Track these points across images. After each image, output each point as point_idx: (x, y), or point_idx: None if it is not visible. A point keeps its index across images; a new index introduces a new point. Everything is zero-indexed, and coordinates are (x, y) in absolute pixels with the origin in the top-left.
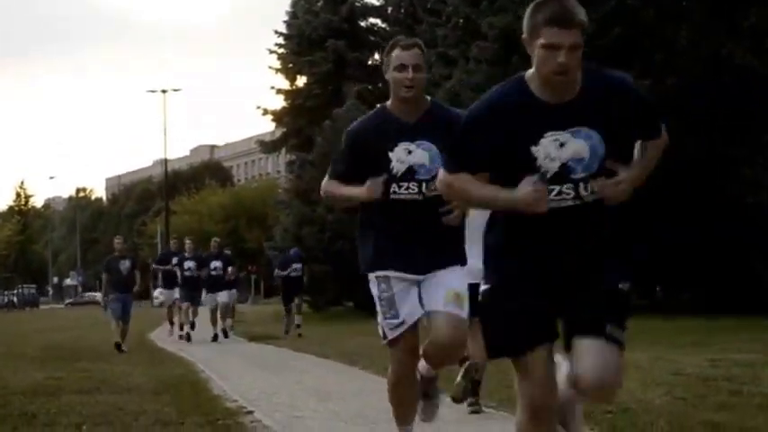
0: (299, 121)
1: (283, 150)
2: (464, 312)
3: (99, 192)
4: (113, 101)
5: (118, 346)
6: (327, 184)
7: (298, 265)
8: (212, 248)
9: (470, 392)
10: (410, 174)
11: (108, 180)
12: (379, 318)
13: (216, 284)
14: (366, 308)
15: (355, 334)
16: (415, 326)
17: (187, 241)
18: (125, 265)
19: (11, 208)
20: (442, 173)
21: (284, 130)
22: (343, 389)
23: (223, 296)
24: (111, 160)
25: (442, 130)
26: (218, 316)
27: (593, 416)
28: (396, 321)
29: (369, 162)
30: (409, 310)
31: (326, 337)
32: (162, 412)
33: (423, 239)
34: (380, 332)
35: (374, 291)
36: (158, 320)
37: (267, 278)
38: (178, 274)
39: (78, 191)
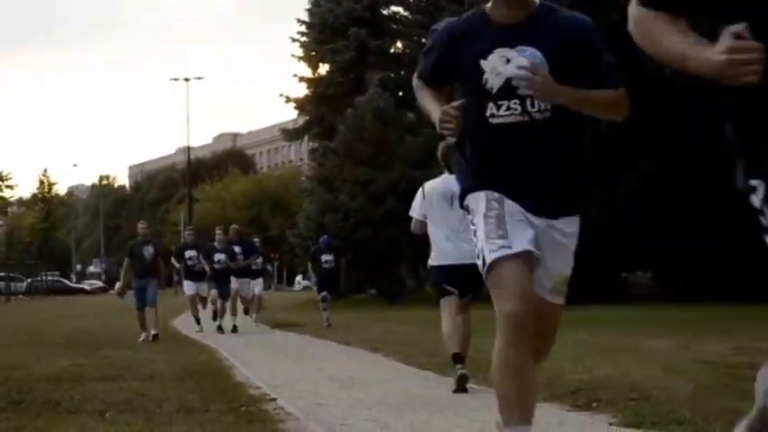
0: (322, 109)
1: (306, 138)
2: (563, 300)
3: (122, 179)
4: (136, 89)
5: (154, 337)
6: (416, 84)
7: (328, 257)
8: (231, 236)
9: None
10: (509, 89)
11: (131, 168)
12: (481, 243)
13: (237, 272)
14: (388, 295)
15: (378, 321)
16: (527, 259)
17: (218, 232)
18: (149, 250)
19: (34, 195)
20: (634, 5)
21: (307, 117)
22: (365, 376)
23: (243, 286)
24: (134, 148)
25: (552, 33)
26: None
27: (616, 403)
28: (503, 242)
29: (456, 71)
30: (522, 238)
31: (349, 325)
32: (185, 399)
33: (533, 175)
34: (480, 261)
35: (480, 207)
36: (181, 308)
37: (290, 266)
38: (206, 266)
39: (101, 178)
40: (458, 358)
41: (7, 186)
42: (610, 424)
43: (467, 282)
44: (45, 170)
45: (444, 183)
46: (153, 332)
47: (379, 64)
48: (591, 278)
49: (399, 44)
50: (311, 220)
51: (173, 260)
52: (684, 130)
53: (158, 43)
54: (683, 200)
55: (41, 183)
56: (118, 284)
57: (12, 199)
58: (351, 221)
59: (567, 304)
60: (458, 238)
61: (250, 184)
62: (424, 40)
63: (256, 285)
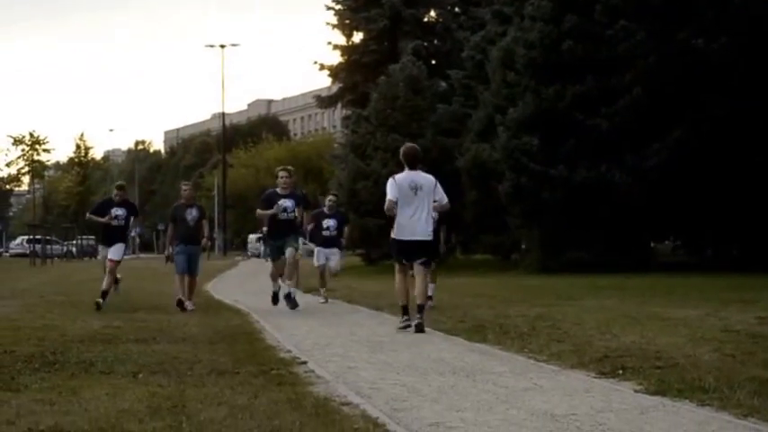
0: (355, 77)
1: (339, 105)
2: None
3: (157, 144)
4: (173, 55)
5: (180, 304)
6: None
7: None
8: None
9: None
10: None
11: (166, 133)
12: None
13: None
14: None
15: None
16: None
17: (281, 175)
18: (192, 214)
19: (71, 159)
20: None
21: (340, 85)
22: (395, 340)
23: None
24: (169, 114)
25: None
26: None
27: (642, 370)
28: None
29: None
30: None
31: (380, 290)
32: (217, 362)
33: None
34: None
35: None
36: (214, 272)
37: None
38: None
39: (137, 143)
40: (405, 310)
41: (44, 150)
42: (635, 391)
43: (420, 252)
44: (82, 134)
45: (409, 176)
46: (190, 307)
47: (413, 32)
48: (619, 247)
49: (433, 13)
50: (343, 187)
51: (89, 214)
52: (712, 101)
53: (195, 10)
54: (712, 170)
55: (78, 147)
56: (167, 250)
57: (49, 163)
58: (382, 188)
59: (594, 271)
60: (417, 220)
61: (283, 151)
62: (457, 9)
63: (332, 255)
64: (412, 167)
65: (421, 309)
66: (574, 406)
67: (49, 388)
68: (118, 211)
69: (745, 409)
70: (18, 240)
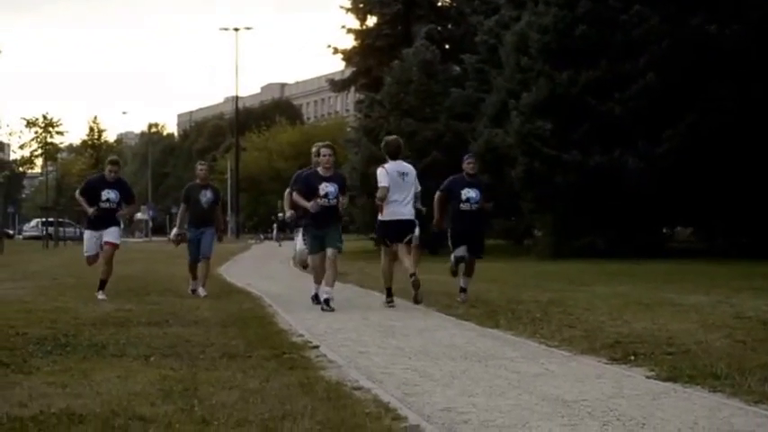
0: (369, 61)
1: (352, 89)
2: None
3: (171, 127)
4: (187, 38)
5: (194, 292)
6: None
7: (471, 193)
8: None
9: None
10: None
11: (179, 116)
12: None
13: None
14: (431, 246)
15: (420, 272)
16: None
17: (324, 153)
18: (206, 196)
19: (84, 142)
20: None
21: (354, 69)
22: (407, 325)
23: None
24: (182, 97)
25: None
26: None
27: (653, 356)
28: None
29: None
30: None
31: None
32: (229, 345)
33: None
34: None
35: None
36: (227, 255)
37: None
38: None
39: (150, 126)
40: (389, 292)
41: (58, 133)
42: (647, 377)
43: (404, 230)
44: (95, 117)
45: (395, 165)
46: (202, 293)
47: (427, 16)
48: (631, 232)
49: None
50: (356, 171)
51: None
52: (725, 88)
53: None
54: (724, 157)
55: (91, 129)
56: (174, 230)
57: (62, 145)
58: None
59: (606, 257)
60: (404, 204)
61: (296, 134)
62: None
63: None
64: (394, 158)
65: (413, 274)
66: (585, 391)
67: (60, 371)
68: (110, 194)
69: (756, 395)
70: (33, 223)
